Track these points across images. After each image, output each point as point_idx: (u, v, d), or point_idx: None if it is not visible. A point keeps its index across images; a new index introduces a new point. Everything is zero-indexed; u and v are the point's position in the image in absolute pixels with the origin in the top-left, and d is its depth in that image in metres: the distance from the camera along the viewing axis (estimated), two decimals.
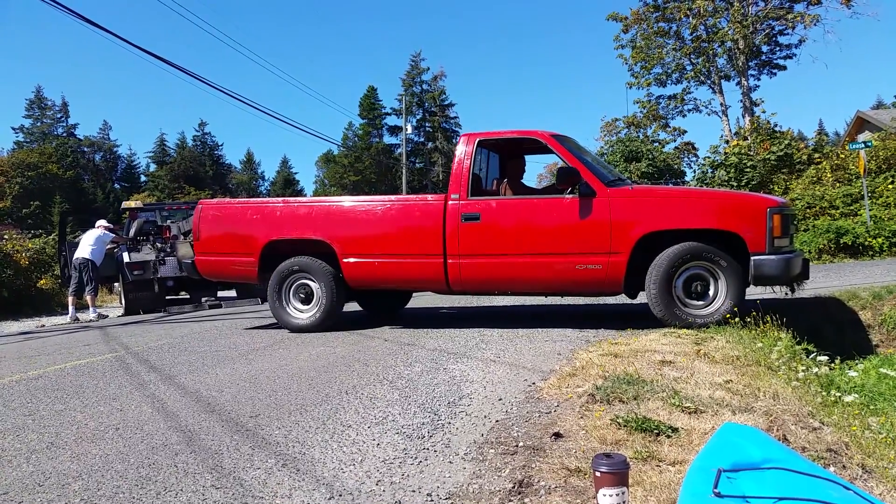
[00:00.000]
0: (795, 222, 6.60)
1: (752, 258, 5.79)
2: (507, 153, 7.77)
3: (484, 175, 7.53)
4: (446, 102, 63.08)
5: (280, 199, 8.43)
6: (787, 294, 6.71)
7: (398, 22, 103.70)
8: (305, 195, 66.04)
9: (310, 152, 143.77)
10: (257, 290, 11.81)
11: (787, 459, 1.79)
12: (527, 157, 7.80)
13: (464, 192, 6.67)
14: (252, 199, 8.98)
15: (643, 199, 6.26)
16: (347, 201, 7.48)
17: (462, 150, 6.89)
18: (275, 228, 7.23)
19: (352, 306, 8.64)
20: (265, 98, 76.24)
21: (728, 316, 5.72)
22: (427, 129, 62.62)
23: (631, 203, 6.18)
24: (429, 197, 7.04)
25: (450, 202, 6.68)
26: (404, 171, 48.37)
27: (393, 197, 7.21)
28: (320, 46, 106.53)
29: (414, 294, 9.02)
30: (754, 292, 7.24)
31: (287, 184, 70.81)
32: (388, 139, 64.46)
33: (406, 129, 50.66)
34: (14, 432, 3.73)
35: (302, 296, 7.31)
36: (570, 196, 6.27)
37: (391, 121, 64.00)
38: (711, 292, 6.01)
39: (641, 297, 6.49)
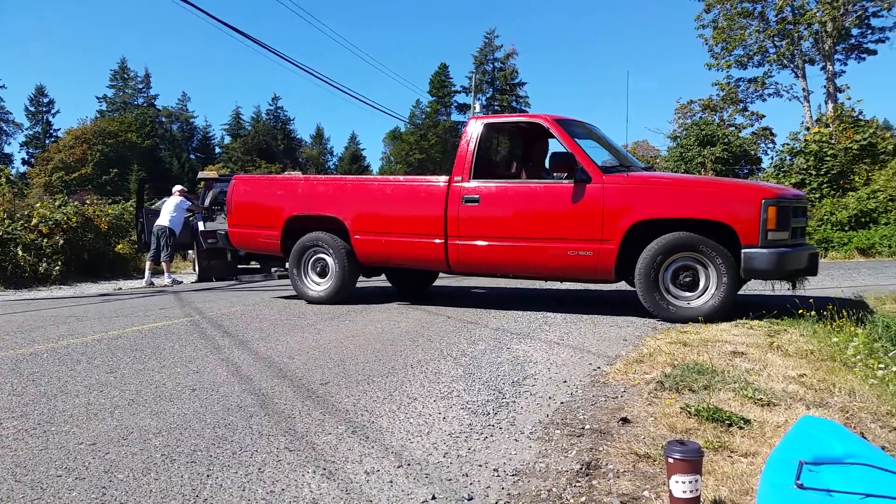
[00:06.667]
0: (803, 215, 6.24)
1: (742, 250, 5.61)
2: (531, 137, 7.74)
3: (505, 158, 7.52)
4: (517, 81, 62.45)
5: (302, 175, 8.79)
6: (788, 290, 6.45)
7: None
8: (371, 172, 66.65)
9: (377, 128, 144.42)
10: None
11: (873, 456, 1.74)
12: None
13: (466, 174, 6.71)
14: (278, 176, 9.31)
15: (636, 187, 6.11)
16: (359, 180, 7.78)
17: (469, 132, 6.92)
18: (296, 204, 7.56)
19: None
20: (335, 73, 77.33)
21: (802, 310, 5.53)
22: (496, 107, 62.09)
23: (624, 190, 6.06)
24: (433, 178, 7.07)
25: (453, 184, 6.74)
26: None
27: (401, 177, 7.43)
28: (391, 20, 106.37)
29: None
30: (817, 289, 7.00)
31: (354, 159, 71.24)
32: (455, 117, 64.24)
33: (474, 108, 50.36)
34: (98, 388, 3.93)
35: (318, 269, 7.64)
36: (568, 182, 6.21)
37: (460, 98, 63.72)
38: (702, 284, 5.86)
39: None
